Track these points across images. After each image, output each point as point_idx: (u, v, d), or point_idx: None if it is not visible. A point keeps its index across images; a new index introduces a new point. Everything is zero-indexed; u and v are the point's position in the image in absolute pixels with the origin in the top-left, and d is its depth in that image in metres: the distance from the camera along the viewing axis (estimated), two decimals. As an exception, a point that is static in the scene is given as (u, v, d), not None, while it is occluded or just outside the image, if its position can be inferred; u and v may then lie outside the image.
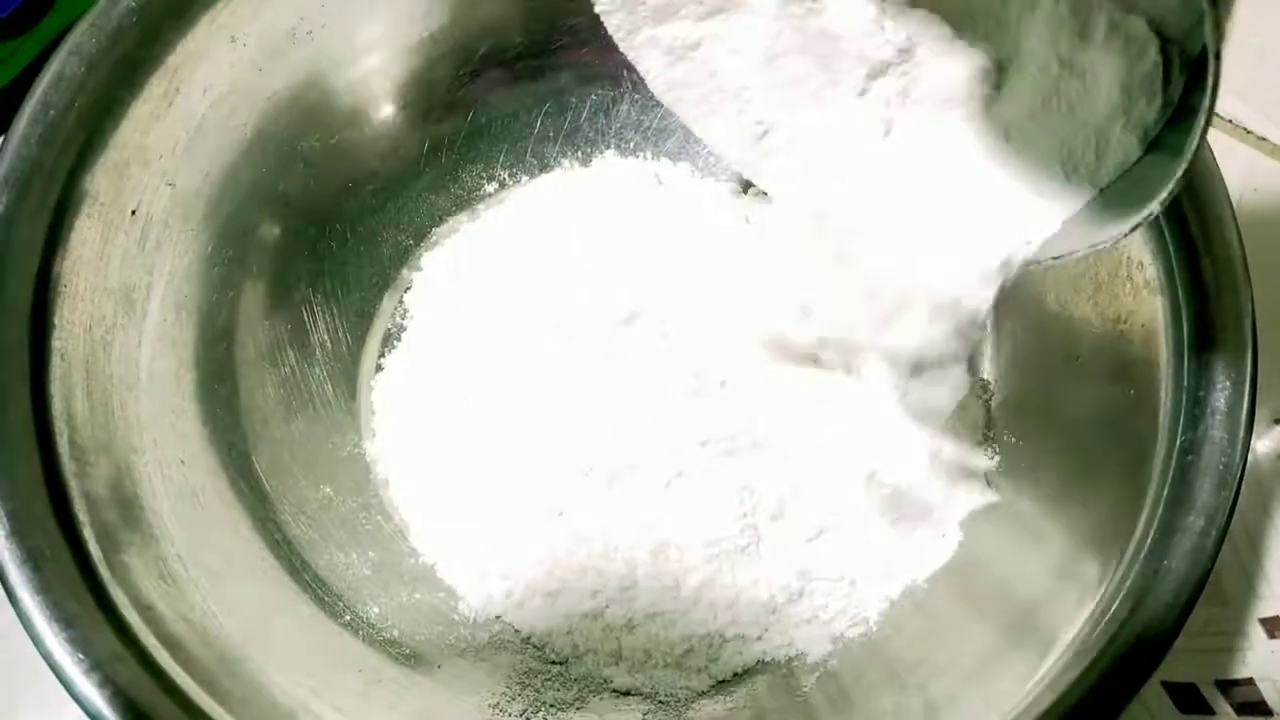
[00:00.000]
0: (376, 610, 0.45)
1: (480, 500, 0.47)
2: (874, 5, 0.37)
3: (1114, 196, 0.35)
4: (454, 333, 0.50)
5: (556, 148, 0.55)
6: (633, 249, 0.50)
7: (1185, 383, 0.39)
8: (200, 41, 0.43)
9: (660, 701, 0.45)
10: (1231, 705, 0.48)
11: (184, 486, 0.42)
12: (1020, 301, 0.48)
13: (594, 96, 0.54)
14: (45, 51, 0.50)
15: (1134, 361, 0.41)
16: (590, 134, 0.55)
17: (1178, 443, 0.38)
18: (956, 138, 0.37)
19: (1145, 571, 0.37)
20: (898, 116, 0.39)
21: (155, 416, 0.42)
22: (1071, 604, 0.38)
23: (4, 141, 0.39)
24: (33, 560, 0.35)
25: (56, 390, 0.38)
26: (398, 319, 0.52)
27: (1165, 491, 0.38)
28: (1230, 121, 0.60)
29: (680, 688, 0.45)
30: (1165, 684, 0.48)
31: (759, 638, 0.45)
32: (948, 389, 0.41)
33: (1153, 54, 0.33)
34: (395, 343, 0.52)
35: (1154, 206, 0.32)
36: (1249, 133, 0.60)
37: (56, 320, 0.39)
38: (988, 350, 0.50)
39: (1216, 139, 0.59)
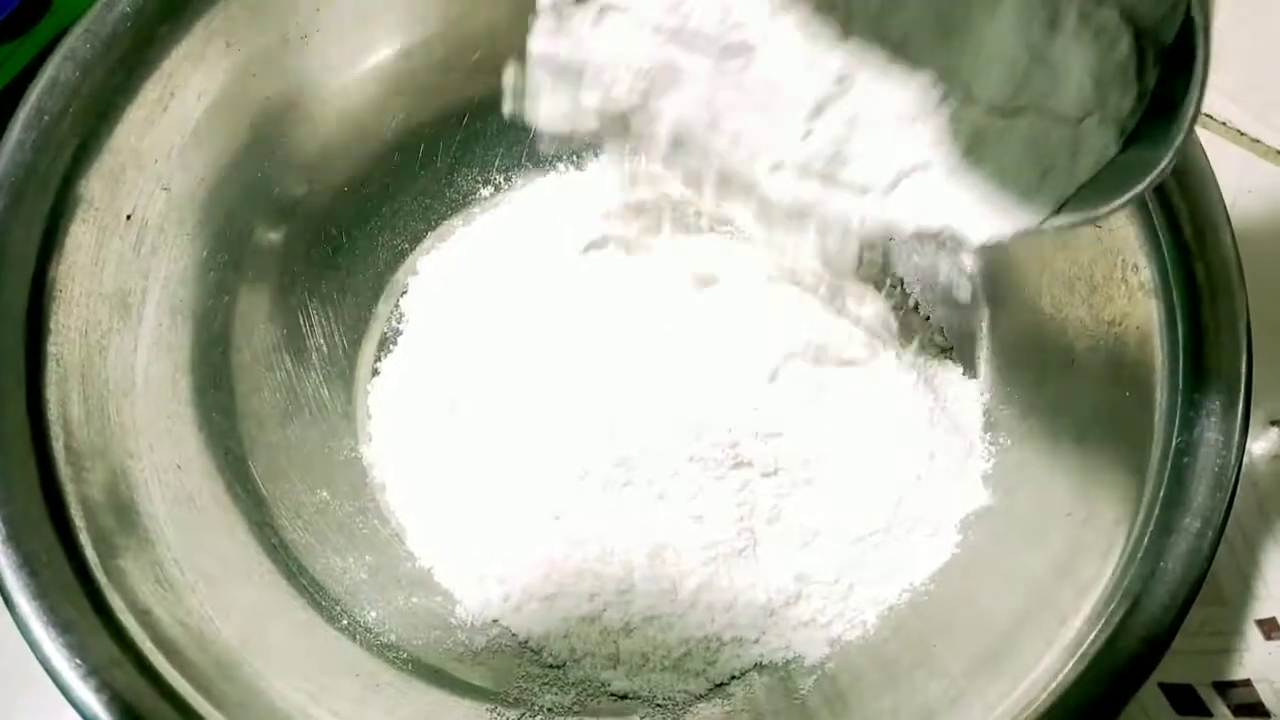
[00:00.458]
0: (374, 614, 0.45)
1: (477, 504, 0.47)
2: (807, 42, 0.36)
3: (1101, 180, 0.35)
4: (450, 336, 0.50)
5: (551, 151, 0.55)
6: (632, 272, 0.50)
7: (1180, 385, 0.39)
8: (195, 46, 0.43)
9: (658, 705, 0.45)
10: (1229, 707, 0.48)
11: (180, 491, 0.42)
12: (1016, 303, 0.49)
13: (590, 99, 0.54)
14: (40, 56, 0.50)
15: (1130, 364, 0.41)
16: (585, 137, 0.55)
17: (1173, 445, 0.38)
18: (920, 152, 0.36)
19: (1141, 573, 0.37)
20: (852, 144, 0.37)
21: (151, 421, 0.42)
22: (1068, 606, 0.38)
23: (-1, 147, 0.39)
24: (29, 565, 0.35)
25: (52, 395, 0.38)
26: (394, 323, 0.52)
27: (1161, 493, 0.38)
28: (1224, 124, 0.60)
29: (678, 691, 0.45)
30: (1162, 685, 0.48)
31: (756, 641, 0.45)
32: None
33: (1125, 45, 0.33)
34: (391, 346, 0.52)
35: (1144, 185, 0.31)
36: (1242, 135, 0.60)
37: (52, 325, 0.39)
38: (984, 353, 0.50)
39: (1210, 142, 0.59)
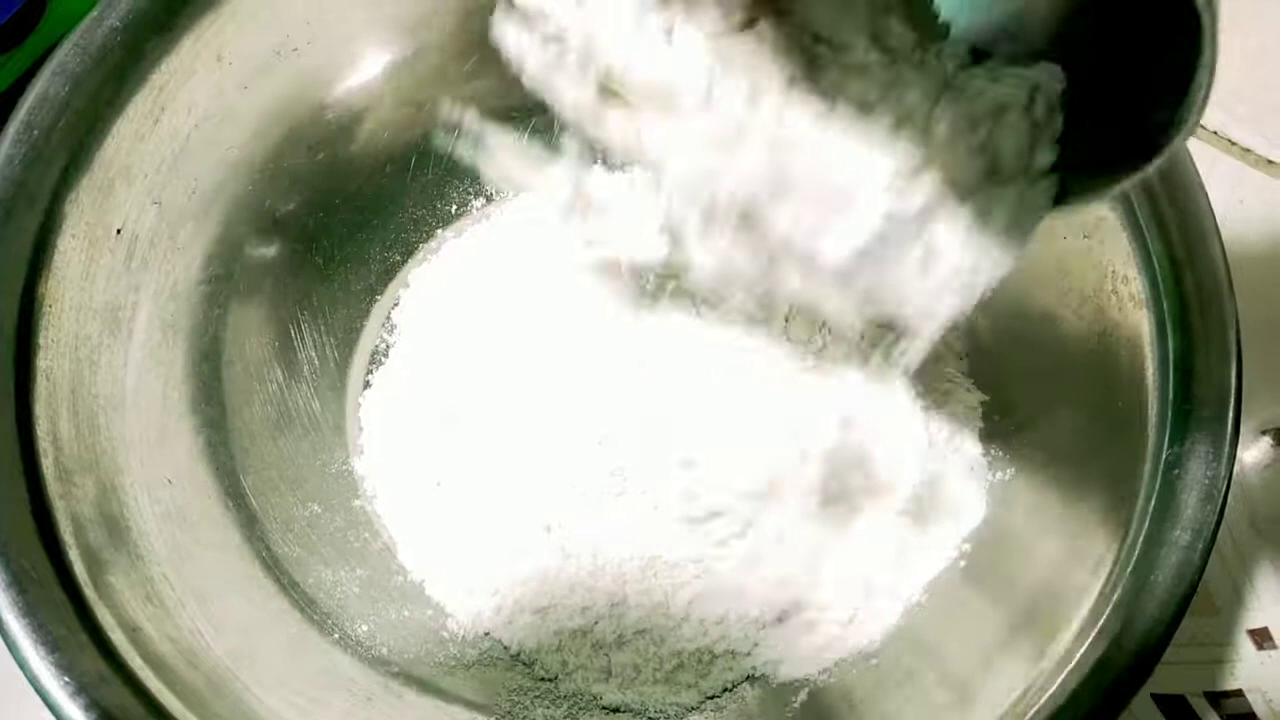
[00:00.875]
0: (365, 628, 0.45)
1: (469, 517, 0.47)
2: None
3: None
4: (441, 348, 0.50)
5: (545, 161, 0.55)
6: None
7: (1171, 396, 0.39)
8: (185, 60, 0.43)
9: (650, 718, 0.45)
10: (1221, 717, 0.48)
11: (171, 505, 0.42)
12: (1008, 316, 0.48)
13: (581, 111, 0.54)
14: (30, 70, 0.50)
15: (1121, 375, 0.41)
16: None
17: (1164, 457, 0.38)
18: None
19: (1132, 585, 0.37)
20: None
21: (142, 435, 0.42)
22: (1059, 618, 0.38)
23: (-12, 162, 0.39)
24: (18, 583, 0.35)
25: (42, 411, 0.38)
26: (385, 336, 0.52)
27: (1151, 506, 0.38)
28: (1214, 133, 0.60)
29: (670, 704, 0.45)
30: (1155, 696, 0.48)
31: (749, 653, 0.45)
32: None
33: (1015, 118, 0.32)
34: (382, 359, 0.52)
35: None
36: (1234, 144, 0.60)
37: (41, 340, 0.39)
38: (977, 366, 0.50)
39: (1201, 151, 0.59)
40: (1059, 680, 0.37)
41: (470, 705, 0.44)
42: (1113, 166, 0.32)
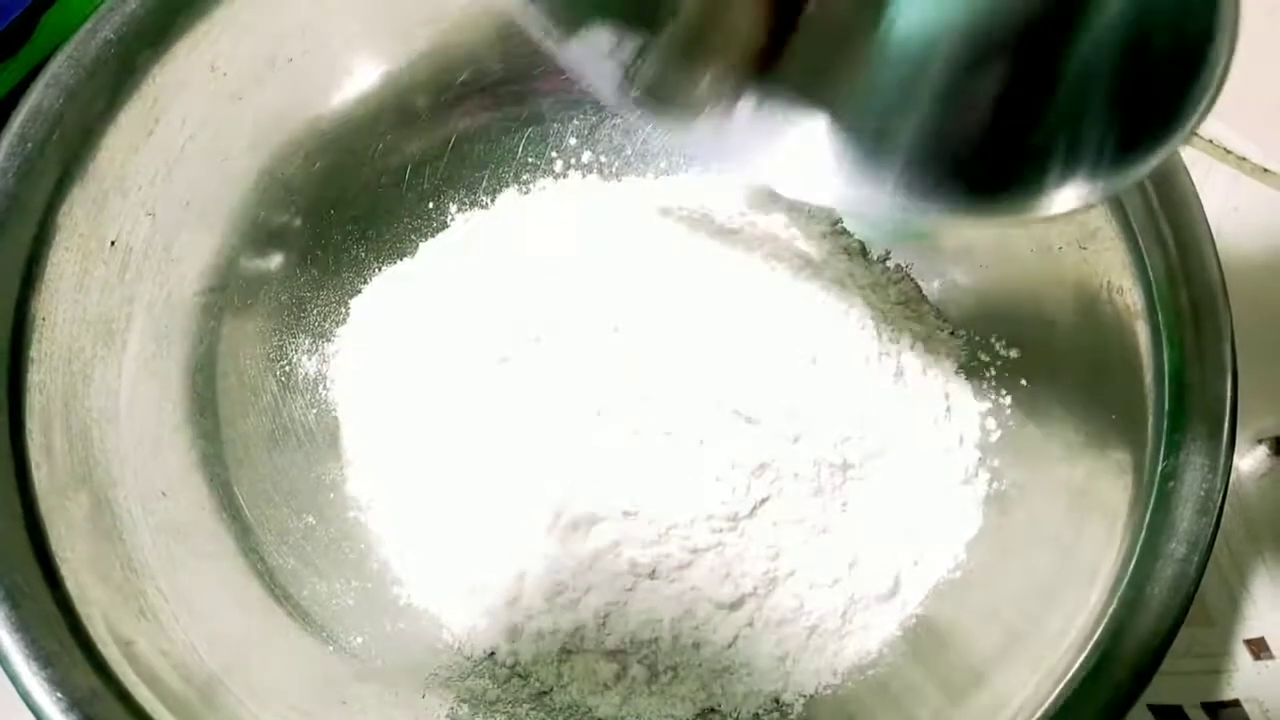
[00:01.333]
0: (360, 640, 0.45)
1: (464, 528, 0.47)
2: None
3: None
4: (433, 360, 0.50)
5: (539, 173, 0.55)
6: (615, 274, 0.50)
7: (1166, 408, 0.39)
8: (179, 71, 0.43)
9: (645, 731, 0.45)
10: (1218, 727, 0.48)
11: (165, 518, 0.42)
12: (1005, 325, 0.49)
13: (576, 122, 0.54)
14: (23, 82, 0.50)
15: (1116, 386, 0.41)
16: (572, 158, 0.55)
17: (1159, 469, 0.38)
18: None
19: (1128, 599, 0.37)
20: None
21: (136, 448, 0.42)
22: (1055, 631, 0.38)
23: (-19, 175, 0.39)
24: (10, 598, 0.35)
25: (35, 424, 0.38)
26: (378, 346, 0.52)
27: (1147, 518, 0.38)
28: (1210, 141, 0.60)
29: (665, 716, 0.45)
30: (1151, 707, 0.48)
31: (745, 665, 0.45)
32: None
33: None
34: (376, 371, 0.52)
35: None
36: (1229, 152, 0.60)
37: (34, 354, 0.39)
38: (976, 377, 0.50)
39: (1196, 159, 0.59)
40: (1055, 692, 0.37)
41: (466, 718, 0.44)
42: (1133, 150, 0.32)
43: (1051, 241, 0.45)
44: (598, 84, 0.39)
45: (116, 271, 0.42)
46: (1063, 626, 0.38)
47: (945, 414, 0.48)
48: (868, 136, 0.37)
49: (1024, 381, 0.47)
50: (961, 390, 0.49)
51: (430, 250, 0.53)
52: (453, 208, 0.54)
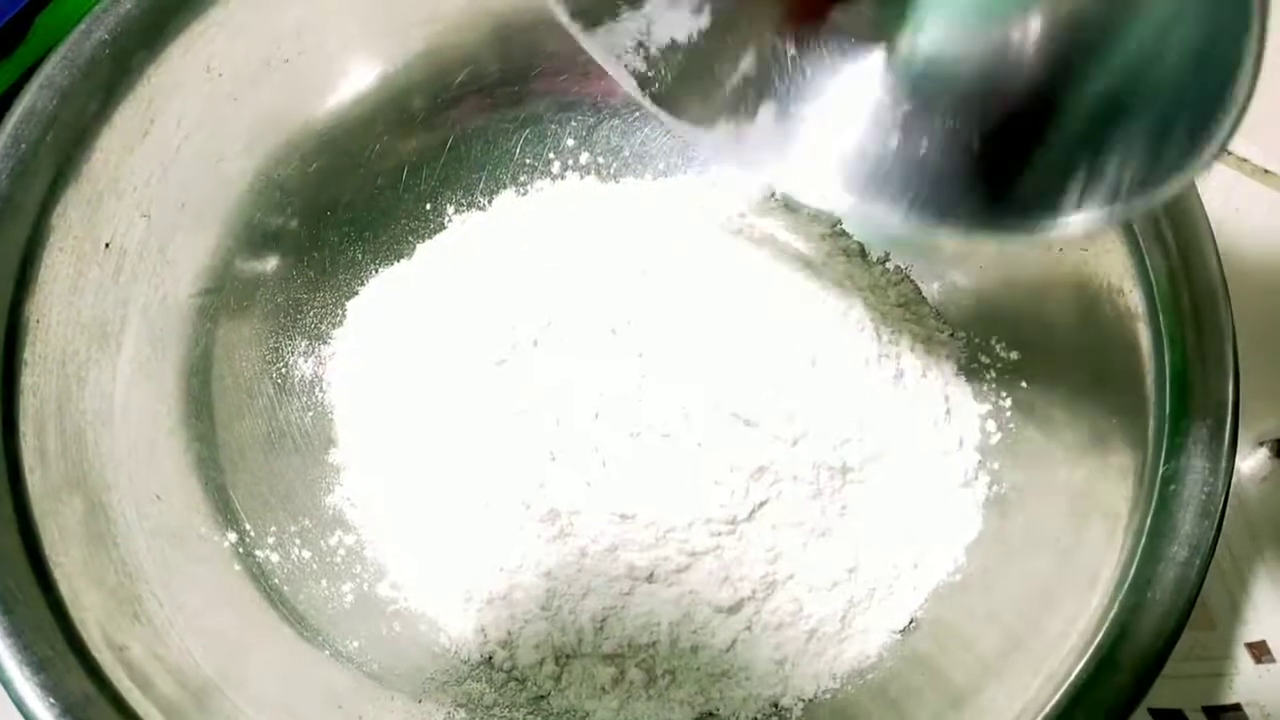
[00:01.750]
0: (356, 644, 0.45)
1: (461, 531, 0.47)
2: None
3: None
4: (430, 362, 0.49)
5: (536, 174, 0.54)
6: (612, 276, 0.50)
7: (1168, 411, 0.39)
8: (174, 72, 0.43)
9: (642, 735, 0.44)
10: (1219, 732, 0.48)
11: (160, 522, 0.42)
12: (1007, 328, 0.48)
13: (573, 123, 0.54)
14: (17, 83, 0.50)
15: (1117, 389, 0.41)
16: (569, 160, 0.54)
17: (1160, 472, 0.38)
18: None
19: (1129, 602, 0.37)
20: None
21: (130, 451, 0.42)
22: (1056, 635, 0.38)
23: (-25, 176, 0.38)
24: (3, 603, 0.35)
25: (28, 428, 0.38)
26: (375, 348, 0.52)
27: (1149, 522, 0.38)
28: (1211, 142, 0.60)
29: (663, 720, 0.44)
30: (1152, 711, 0.48)
31: (743, 669, 0.45)
32: None
33: None
34: (372, 373, 0.51)
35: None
36: (1230, 154, 0.60)
37: (28, 356, 0.39)
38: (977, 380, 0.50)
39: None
40: (1056, 697, 0.37)
41: (462, 722, 0.44)
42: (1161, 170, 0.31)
43: (1053, 244, 0.44)
44: (619, 79, 0.38)
45: (111, 273, 0.42)
46: (1063, 630, 0.38)
47: (945, 416, 0.48)
48: (887, 151, 0.37)
49: (1024, 384, 0.47)
50: (961, 392, 0.49)
51: (427, 252, 0.53)
52: (450, 209, 0.54)
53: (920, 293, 0.51)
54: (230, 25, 0.44)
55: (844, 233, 0.52)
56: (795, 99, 0.38)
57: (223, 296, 0.47)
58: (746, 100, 0.39)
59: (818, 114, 0.38)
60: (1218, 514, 0.37)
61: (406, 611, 0.47)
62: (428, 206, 0.53)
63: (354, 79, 0.50)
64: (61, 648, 0.35)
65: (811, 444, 0.45)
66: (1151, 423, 0.39)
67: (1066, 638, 0.38)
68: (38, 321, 0.39)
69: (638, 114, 0.54)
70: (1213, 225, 0.41)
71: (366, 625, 0.45)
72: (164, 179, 0.44)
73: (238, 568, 0.44)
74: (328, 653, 0.44)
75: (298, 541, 0.46)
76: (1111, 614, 0.37)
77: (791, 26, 0.38)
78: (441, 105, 0.52)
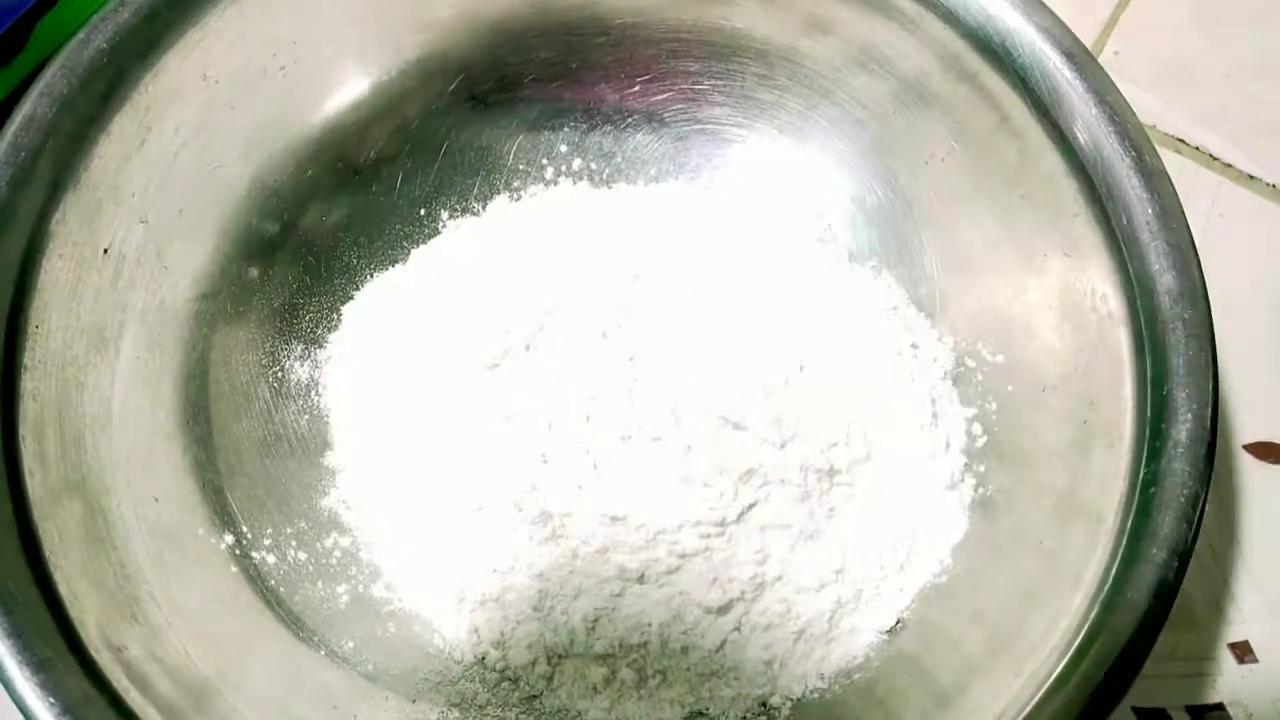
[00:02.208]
0: (351, 645, 0.45)
1: (454, 533, 0.47)
2: None
3: None
4: (425, 366, 0.50)
5: (529, 179, 0.55)
6: (604, 280, 0.50)
7: (1149, 414, 0.39)
8: (172, 80, 0.44)
9: (633, 734, 0.45)
10: (1202, 730, 0.49)
11: (158, 524, 0.42)
12: (993, 328, 0.49)
13: (566, 129, 0.54)
14: (16, 91, 0.50)
15: (1100, 393, 0.42)
16: (563, 165, 0.55)
17: (1140, 475, 0.38)
18: None
19: (1109, 604, 0.37)
20: None
21: (128, 454, 0.42)
22: (1037, 636, 0.38)
23: (-25, 184, 0.39)
24: (3, 604, 0.35)
25: (28, 432, 0.38)
26: (370, 353, 0.52)
27: (1129, 524, 0.38)
28: (1196, 148, 0.61)
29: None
30: (1136, 710, 0.49)
31: (734, 670, 0.45)
32: None
33: None
34: (367, 377, 0.52)
35: None
36: (1215, 159, 0.60)
37: (27, 361, 0.39)
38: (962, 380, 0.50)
39: (1182, 165, 0.60)
40: (1037, 696, 0.37)
41: (456, 721, 0.44)
42: None
43: (1036, 249, 0.45)
44: None
45: (109, 279, 0.43)
46: (1046, 630, 0.38)
47: (931, 420, 0.48)
48: None
49: (1009, 387, 0.48)
50: (948, 396, 0.49)
51: (422, 257, 0.53)
52: (444, 214, 0.54)
53: (907, 297, 0.52)
54: (227, 34, 0.45)
55: (833, 238, 0.53)
56: None
57: (219, 301, 0.48)
58: None
59: None
60: (1197, 516, 0.37)
61: (401, 612, 0.47)
62: (422, 212, 0.54)
63: (349, 86, 0.50)
64: (61, 648, 0.35)
65: (800, 447, 0.46)
66: (1133, 426, 0.40)
67: (1049, 637, 0.38)
68: (37, 327, 0.39)
69: (630, 120, 0.54)
70: (1196, 230, 0.41)
71: (361, 626, 0.46)
72: (162, 185, 0.44)
73: (234, 569, 0.44)
74: (323, 653, 0.44)
75: (294, 543, 0.47)
76: (1093, 614, 0.37)
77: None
78: (435, 112, 0.52)
